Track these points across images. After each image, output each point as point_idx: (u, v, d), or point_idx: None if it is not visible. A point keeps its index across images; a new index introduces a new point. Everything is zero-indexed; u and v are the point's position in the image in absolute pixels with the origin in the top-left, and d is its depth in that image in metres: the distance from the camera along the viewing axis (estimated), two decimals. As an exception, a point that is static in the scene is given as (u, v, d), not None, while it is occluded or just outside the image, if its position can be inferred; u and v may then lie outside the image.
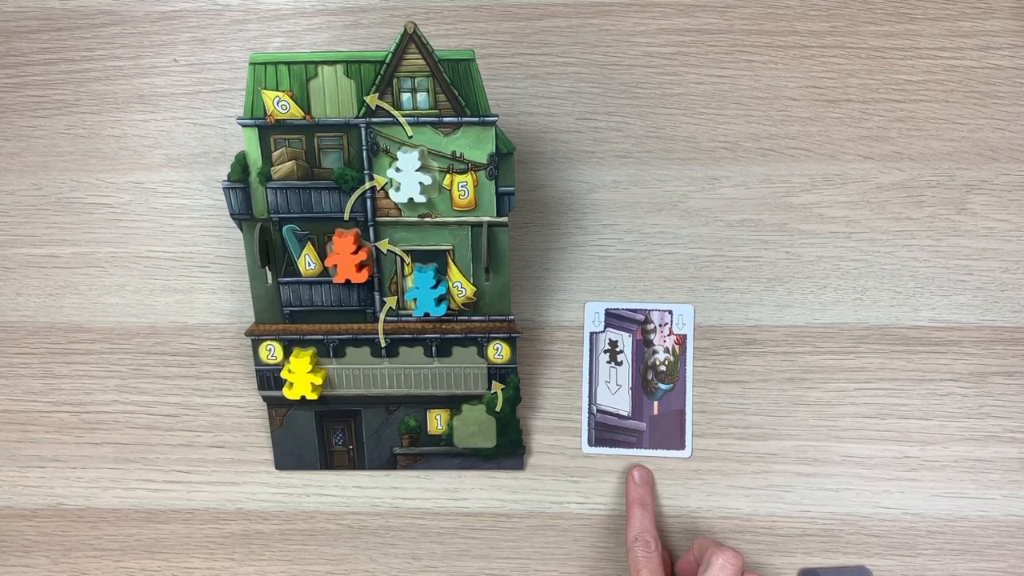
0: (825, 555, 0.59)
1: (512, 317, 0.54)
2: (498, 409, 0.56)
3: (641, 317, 0.56)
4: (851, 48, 0.55)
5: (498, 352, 0.55)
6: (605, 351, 0.58)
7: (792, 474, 0.58)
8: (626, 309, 0.56)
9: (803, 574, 0.59)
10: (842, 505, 0.59)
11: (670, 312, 0.56)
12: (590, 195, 0.57)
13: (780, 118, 0.56)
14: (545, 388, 0.59)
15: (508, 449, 0.58)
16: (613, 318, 0.56)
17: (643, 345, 0.57)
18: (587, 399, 0.59)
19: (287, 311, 0.54)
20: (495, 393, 0.56)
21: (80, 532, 0.62)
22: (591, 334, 0.58)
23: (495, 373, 0.56)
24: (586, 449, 0.59)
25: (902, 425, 0.58)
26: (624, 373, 0.57)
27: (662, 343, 0.56)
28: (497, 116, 0.50)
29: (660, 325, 0.56)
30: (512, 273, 0.56)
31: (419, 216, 0.52)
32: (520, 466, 0.59)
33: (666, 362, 0.57)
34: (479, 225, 0.52)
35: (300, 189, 0.52)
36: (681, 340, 0.56)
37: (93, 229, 0.59)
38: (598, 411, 0.58)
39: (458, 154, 0.51)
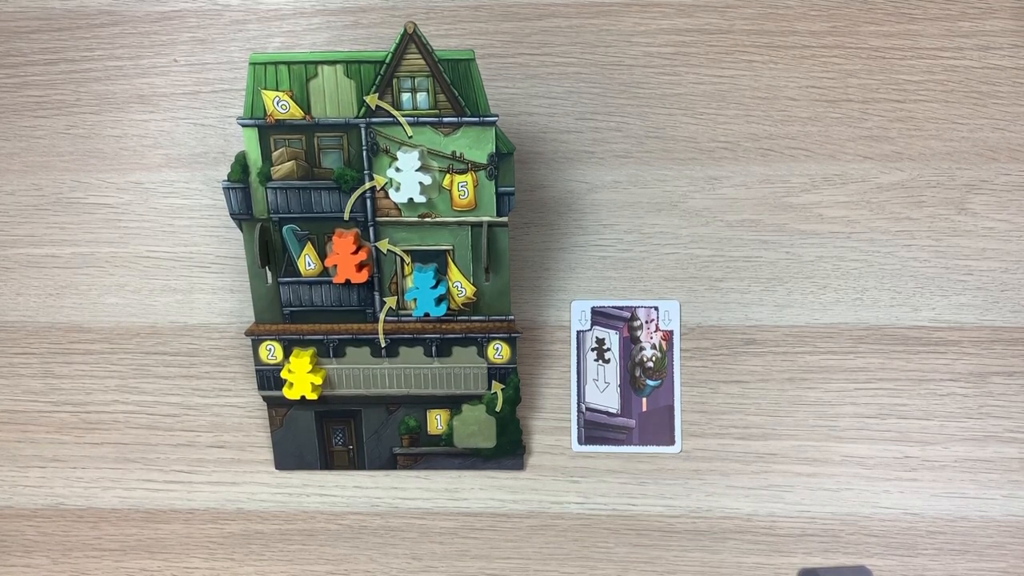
0: (825, 555, 0.59)
1: (512, 317, 0.54)
2: (498, 409, 0.56)
3: (627, 314, 0.56)
4: (851, 48, 0.55)
5: (498, 352, 0.55)
6: (592, 349, 0.58)
7: (792, 474, 0.58)
8: (612, 307, 0.56)
9: (803, 574, 0.59)
10: (842, 505, 0.59)
11: (656, 308, 0.56)
12: (590, 195, 0.57)
13: (780, 118, 0.56)
14: (545, 388, 0.59)
15: (508, 449, 0.58)
16: (600, 316, 0.56)
17: (630, 342, 0.57)
18: (576, 397, 0.59)
19: (287, 311, 0.54)
20: (495, 393, 0.56)
21: (80, 532, 0.62)
22: (578, 332, 0.58)
23: (495, 373, 0.56)
24: (576, 447, 0.59)
25: (902, 425, 0.58)
26: (612, 371, 0.57)
27: (649, 339, 0.56)
28: (497, 116, 0.50)
29: (647, 322, 0.56)
30: (512, 273, 0.56)
31: (419, 216, 0.52)
32: (520, 466, 0.59)
33: (653, 358, 0.57)
34: (479, 225, 0.52)
35: (300, 189, 0.52)
36: (668, 336, 0.56)
37: (93, 229, 0.59)
38: (587, 409, 0.58)
39: (458, 154, 0.51)
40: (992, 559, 0.58)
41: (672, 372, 0.57)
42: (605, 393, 0.58)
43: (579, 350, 0.58)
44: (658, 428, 0.58)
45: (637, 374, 0.57)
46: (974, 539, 0.58)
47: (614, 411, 0.58)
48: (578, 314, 0.58)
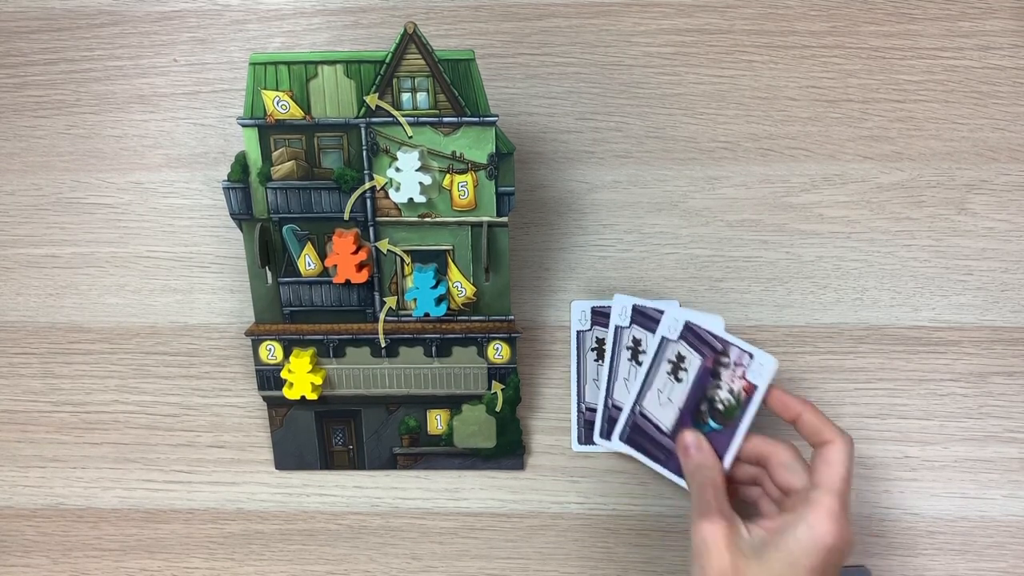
0: (825, 555, 0.59)
1: (512, 317, 0.54)
2: (498, 409, 0.56)
3: (720, 347, 0.51)
4: (851, 48, 0.55)
5: (498, 352, 0.55)
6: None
7: (792, 474, 0.58)
8: (708, 331, 0.51)
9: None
10: (842, 505, 0.59)
11: (751, 355, 0.50)
12: (590, 195, 0.57)
13: (780, 118, 0.56)
14: (545, 388, 0.59)
15: (508, 449, 0.58)
16: (690, 333, 0.52)
17: (710, 375, 0.51)
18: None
19: (287, 311, 0.54)
20: (495, 393, 0.56)
21: (80, 532, 0.62)
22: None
23: (495, 373, 0.56)
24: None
25: (902, 425, 0.58)
26: (679, 391, 0.53)
27: (730, 382, 0.51)
28: (497, 116, 0.50)
29: (735, 364, 0.51)
30: (512, 273, 0.56)
31: (419, 216, 0.52)
32: (520, 466, 0.59)
33: (725, 402, 0.51)
34: (479, 225, 0.52)
35: (300, 189, 0.52)
36: (750, 389, 0.50)
37: (93, 229, 0.59)
38: (640, 413, 0.55)
39: (458, 154, 0.51)
40: (992, 559, 0.58)
41: (739, 426, 0.51)
42: (664, 408, 0.53)
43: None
44: None
45: (702, 408, 0.52)
46: (974, 539, 0.58)
47: (665, 429, 0.54)
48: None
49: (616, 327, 0.56)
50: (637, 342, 0.55)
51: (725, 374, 0.51)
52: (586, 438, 0.59)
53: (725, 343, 0.51)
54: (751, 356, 0.50)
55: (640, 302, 0.55)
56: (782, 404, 0.50)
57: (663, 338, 0.53)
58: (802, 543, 0.45)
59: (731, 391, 0.51)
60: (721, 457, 0.51)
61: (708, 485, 0.49)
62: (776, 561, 0.45)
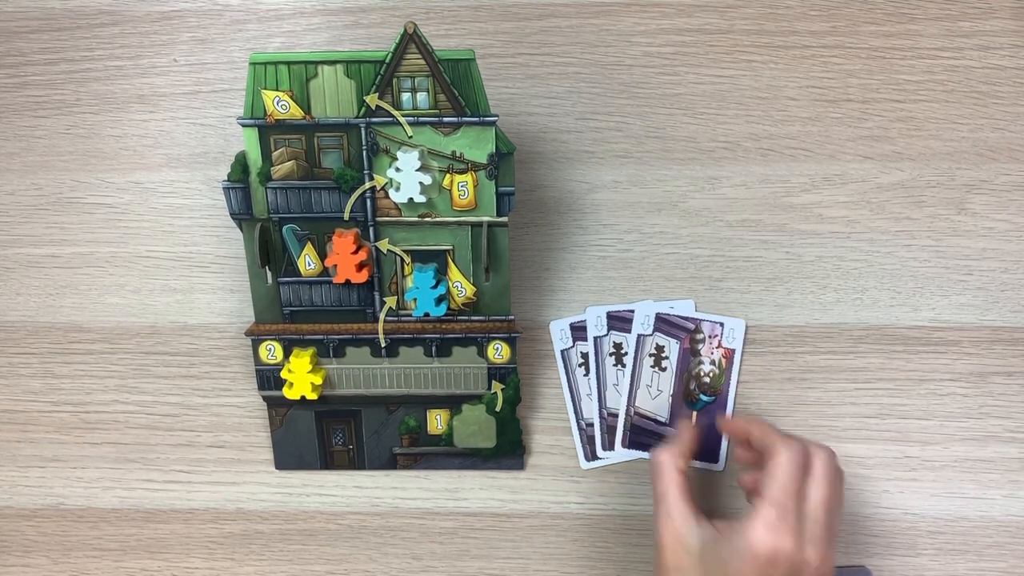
0: (825, 555, 0.59)
1: (512, 317, 0.54)
2: (498, 409, 0.56)
3: (692, 326, 0.56)
4: (851, 48, 0.55)
5: (498, 352, 0.55)
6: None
7: (792, 474, 0.58)
8: (677, 315, 0.56)
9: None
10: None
11: (721, 324, 0.56)
12: (590, 195, 0.57)
13: (780, 118, 0.56)
14: (545, 388, 0.59)
15: (508, 449, 0.58)
16: (662, 323, 0.56)
17: (689, 354, 0.56)
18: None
19: (287, 311, 0.54)
20: (495, 393, 0.56)
21: (80, 532, 0.62)
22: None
23: (495, 373, 0.56)
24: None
25: (902, 425, 0.58)
26: (666, 380, 0.57)
27: (709, 355, 0.56)
28: (497, 116, 0.50)
29: (710, 336, 0.56)
30: (512, 273, 0.56)
31: (419, 216, 0.52)
32: (520, 466, 0.59)
33: (711, 374, 0.56)
34: (479, 225, 0.52)
35: (300, 189, 0.52)
36: (729, 354, 0.56)
37: (93, 229, 0.59)
38: (636, 413, 0.57)
39: (458, 154, 0.51)
40: (992, 559, 0.58)
41: (728, 390, 0.57)
42: (656, 400, 0.57)
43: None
44: (705, 444, 0.57)
45: (692, 387, 0.56)
46: (974, 539, 0.58)
47: (663, 420, 0.57)
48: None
49: (595, 338, 0.57)
50: (618, 346, 0.57)
51: (704, 349, 0.56)
52: (592, 454, 0.59)
53: (696, 321, 0.56)
54: (722, 325, 0.56)
55: (612, 308, 0.56)
56: (732, 429, 0.53)
57: (639, 335, 0.56)
58: (735, 550, 0.47)
59: (713, 362, 0.56)
60: (716, 424, 0.55)
61: (671, 485, 0.50)
62: (712, 564, 0.47)
